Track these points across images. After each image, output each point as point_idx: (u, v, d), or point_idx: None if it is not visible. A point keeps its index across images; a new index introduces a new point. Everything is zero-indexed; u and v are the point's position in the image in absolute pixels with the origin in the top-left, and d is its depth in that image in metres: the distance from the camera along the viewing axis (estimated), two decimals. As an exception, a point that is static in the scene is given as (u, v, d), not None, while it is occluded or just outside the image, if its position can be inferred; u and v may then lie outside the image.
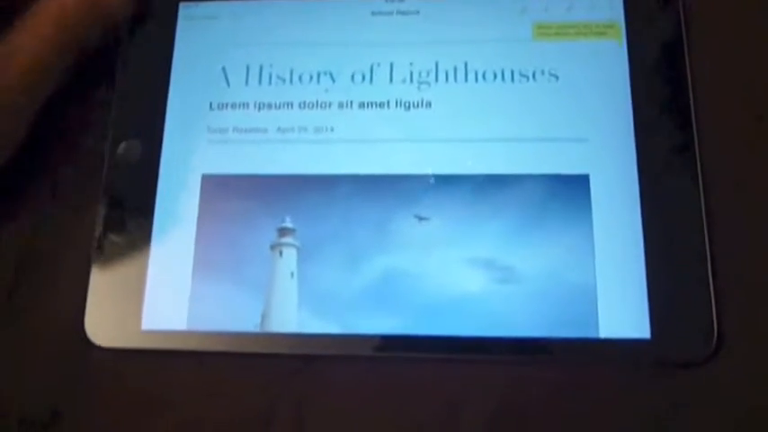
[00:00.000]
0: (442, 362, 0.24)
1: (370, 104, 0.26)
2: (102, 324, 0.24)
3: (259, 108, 0.27)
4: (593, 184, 0.25)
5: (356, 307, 0.24)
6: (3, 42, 0.24)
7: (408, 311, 0.24)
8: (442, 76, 0.26)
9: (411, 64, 0.27)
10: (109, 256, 0.25)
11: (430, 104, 0.26)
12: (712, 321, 0.23)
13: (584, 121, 0.26)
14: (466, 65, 0.26)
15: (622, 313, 0.24)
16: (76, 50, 0.26)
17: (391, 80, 0.27)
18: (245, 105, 0.27)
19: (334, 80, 0.27)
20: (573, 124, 0.26)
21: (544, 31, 0.27)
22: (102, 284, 0.25)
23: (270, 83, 0.27)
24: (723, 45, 0.27)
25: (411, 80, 0.27)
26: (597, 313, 0.24)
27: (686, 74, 0.26)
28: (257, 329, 0.24)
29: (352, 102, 0.26)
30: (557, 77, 0.26)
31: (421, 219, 0.25)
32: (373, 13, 0.27)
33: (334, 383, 0.24)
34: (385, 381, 0.24)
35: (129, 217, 0.26)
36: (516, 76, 0.26)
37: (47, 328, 0.25)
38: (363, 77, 0.27)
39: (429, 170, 0.25)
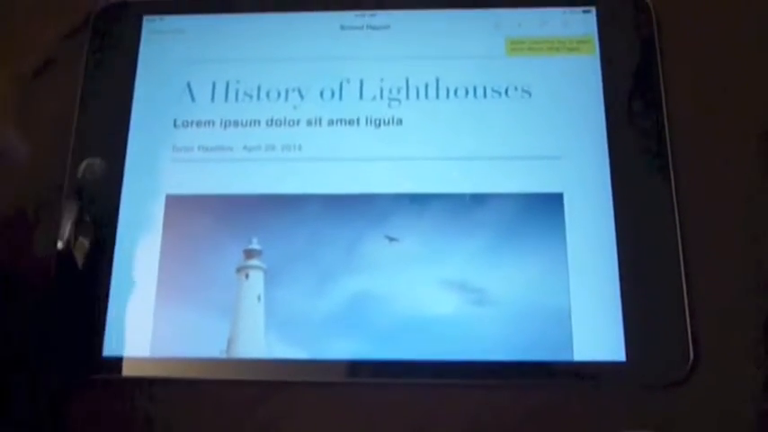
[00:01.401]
0: (412, 387, 0.23)
1: (340, 122, 0.26)
2: (62, 351, 0.24)
3: (225, 126, 0.26)
4: (566, 202, 0.24)
5: (325, 331, 0.23)
6: None
7: (378, 335, 0.23)
8: (413, 93, 0.26)
9: (381, 80, 0.26)
10: (69, 278, 0.24)
11: (401, 122, 0.26)
12: (687, 343, 0.23)
13: (558, 138, 0.25)
14: (437, 81, 0.26)
15: (597, 336, 0.23)
16: None
17: (361, 97, 0.26)
18: (210, 123, 0.26)
19: (302, 97, 0.26)
20: (546, 141, 0.25)
21: (517, 46, 0.26)
22: (61, 309, 0.24)
23: (236, 99, 0.26)
24: (696, 60, 0.26)
25: (381, 97, 0.26)
26: (572, 336, 0.23)
27: (660, 89, 0.25)
28: (223, 355, 0.23)
29: (321, 119, 0.26)
30: (530, 94, 0.26)
31: (391, 239, 0.24)
32: (343, 28, 0.27)
33: (303, 410, 0.23)
34: (354, 407, 0.23)
35: (90, 238, 0.25)
36: (489, 93, 0.26)
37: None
38: (333, 94, 0.26)
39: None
